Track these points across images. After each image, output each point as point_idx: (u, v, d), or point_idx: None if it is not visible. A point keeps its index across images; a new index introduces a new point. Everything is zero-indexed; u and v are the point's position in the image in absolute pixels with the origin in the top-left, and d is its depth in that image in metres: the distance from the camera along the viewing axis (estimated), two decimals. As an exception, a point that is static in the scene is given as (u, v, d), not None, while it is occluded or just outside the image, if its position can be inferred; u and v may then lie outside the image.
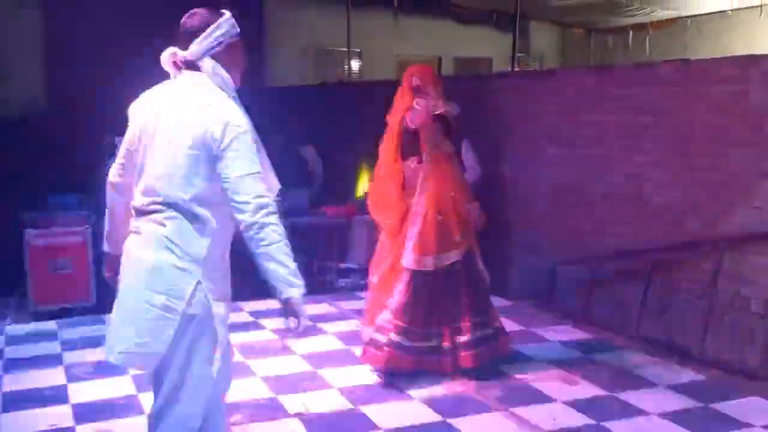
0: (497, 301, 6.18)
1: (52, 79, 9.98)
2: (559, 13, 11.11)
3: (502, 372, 4.60)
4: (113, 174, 2.77)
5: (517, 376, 4.56)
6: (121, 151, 2.74)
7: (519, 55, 10.05)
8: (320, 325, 5.58)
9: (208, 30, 2.57)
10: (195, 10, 2.63)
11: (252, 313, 5.84)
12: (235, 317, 5.82)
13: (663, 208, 5.13)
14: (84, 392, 4.34)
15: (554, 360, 4.85)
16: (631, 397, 4.23)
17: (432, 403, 4.16)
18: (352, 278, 6.90)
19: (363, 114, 7.39)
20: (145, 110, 2.63)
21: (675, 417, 3.97)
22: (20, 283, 6.07)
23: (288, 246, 2.47)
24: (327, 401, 4.19)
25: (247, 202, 2.42)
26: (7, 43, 9.67)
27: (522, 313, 5.93)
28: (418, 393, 4.29)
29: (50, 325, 5.70)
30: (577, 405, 4.13)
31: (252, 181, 2.45)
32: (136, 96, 2.74)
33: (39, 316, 5.88)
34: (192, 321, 2.51)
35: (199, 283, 2.50)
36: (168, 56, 2.62)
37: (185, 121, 2.50)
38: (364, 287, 6.78)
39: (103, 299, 6.13)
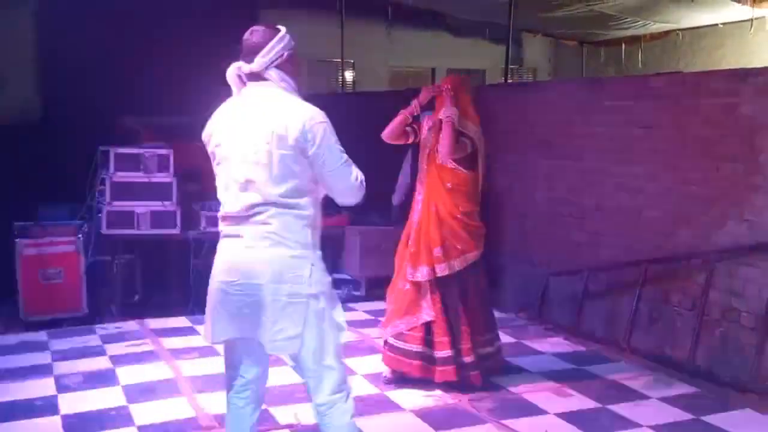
0: (489, 313, 6.20)
1: (43, 89, 9.96)
2: (552, 25, 11.15)
3: (495, 384, 4.59)
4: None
5: (510, 388, 4.55)
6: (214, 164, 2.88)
7: (512, 67, 10.09)
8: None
9: (271, 44, 2.78)
10: (254, 27, 2.85)
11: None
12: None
13: (655, 220, 5.15)
14: (74, 403, 4.31)
15: (546, 372, 4.85)
16: (622, 409, 4.23)
17: (424, 415, 4.15)
18: (345, 289, 6.89)
19: (358, 125, 7.40)
20: (224, 127, 2.81)
21: (666, 429, 3.98)
22: (11, 293, 6.04)
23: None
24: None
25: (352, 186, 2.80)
26: (-2, 55, 9.65)
27: (514, 325, 5.93)
28: (410, 404, 4.29)
29: (41, 335, 5.67)
30: (569, 417, 4.13)
31: (348, 166, 2.79)
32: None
33: (29, 326, 5.85)
34: (317, 299, 2.76)
35: (312, 265, 2.76)
36: (234, 70, 2.81)
37: (270, 125, 2.69)
38: (357, 298, 6.80)
39: (94, 309, 6.13)
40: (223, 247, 2.84)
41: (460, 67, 13.63)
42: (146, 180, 6.29)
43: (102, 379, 4.70)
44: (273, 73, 2.79)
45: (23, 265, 5.91)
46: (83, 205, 6.37)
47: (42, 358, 5.15)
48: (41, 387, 4.57)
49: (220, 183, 2.84)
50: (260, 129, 2.70)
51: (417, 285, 4.49)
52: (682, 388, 4.57)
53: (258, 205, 2.71)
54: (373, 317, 6.00)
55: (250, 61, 2.78)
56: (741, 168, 4.58)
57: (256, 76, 2.79)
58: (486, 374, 4.52)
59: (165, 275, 6.67)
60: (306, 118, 2.70)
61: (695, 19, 9.68)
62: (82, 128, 7.76)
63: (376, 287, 6.14)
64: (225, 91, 2.90)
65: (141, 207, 6.25)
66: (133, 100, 8.57)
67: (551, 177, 6.03)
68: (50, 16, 9.67)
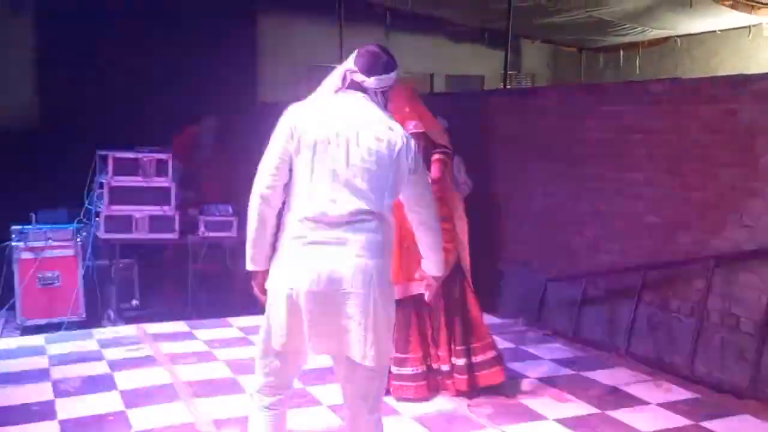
0: (488, 319, 6.20)
1: (42, 93, 9.95)
2: (550, 32, 11.17)
3: (493, 389, 4.58)
4: (266, 186, 2.77)
5: (508, 393, 4.54)
6: (274, 161, 2.77)
7: (511, 72, 10.10)
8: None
9: (391, 74, 2.93)
10: (387, 49, 3.00)
11: (242, 329, 5.82)
12: (225, 333, 5.80)
13: (653, 225, 5.15)
14: (72, 408, 4.29)
15: (545, 378, 4.85)
16: (621, 415, 4.22)
17: (423, 420, 4.14)
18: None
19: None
20: (322, 123, 2.76)
21: (665, 435, 3.97)
22: (8, 297, 6.03)
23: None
24: (316, 419, 4.17)
25: (432, 203, 2.96)
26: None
27: (513, 331, 5.93)
28: (409, 410, 4.28)
29: (38, 339, 5.66)
30: (567, 423, 4.11)
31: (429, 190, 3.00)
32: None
33: (27, 330, 5.84)
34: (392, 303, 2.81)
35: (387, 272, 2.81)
36: (344, 71, 2.90)
37: (374, 138, 2.75)
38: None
39: (92, 314, 6.12)
40: (309, 253, 2.69)
41: (459, 73, 13.66)
42: (145, 184, 6.29)
43: (100, 383, 4.69)
44: (379, 98, 2.90)
45: (21, 268, 5.90)
46: (81, 209, 6.36)
47: (39, 362, 5.13)
48: (39, 392, 4.55)
49: (308, 180, 2.72)
50: (363, 140, 2.73)
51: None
52: (681, 394, 4.57)
53: (365, 213, 2.70)
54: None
55: (367, 76, 2.85)
56: (740, 173, 4.58)
57: (359, 88, 2.87)
58: (475, 384, 4.48)
59: (163, 280, 6.66)
60: (406, 138, 2.82)
61: (693, 26, 9.71)
62: (81, 132, 7.76)
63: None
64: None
65: (139, 211, 6.25)
66: (130, 106, 8.58)
67: (550, 182, 6.03)
68: (49, 20, 9.68)
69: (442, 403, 4.39)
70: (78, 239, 6.14)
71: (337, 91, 2.87)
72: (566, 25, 10.21)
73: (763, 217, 4.45)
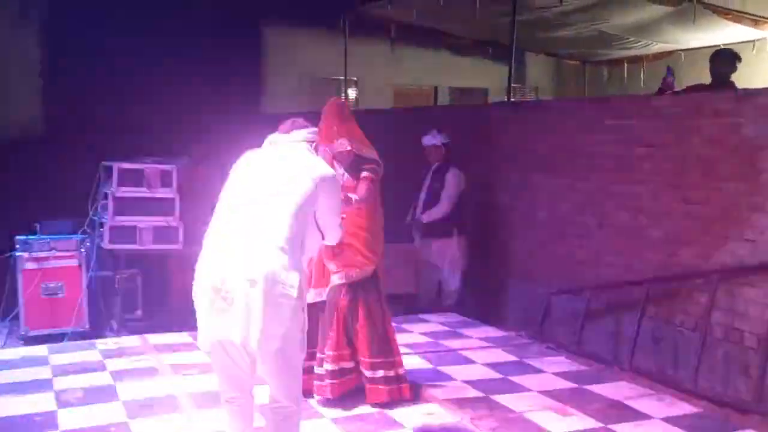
0: (489, 331, 6.19)
1: (47, 105, 10.02)
2: (554, 45, 11.20)
3: (496, 403, 4.57)
4: None
5: (511, 407, 4.53)
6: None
7: (514, 86, 10.12)
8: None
9: (312, 129, 3.60)
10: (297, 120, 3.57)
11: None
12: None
13: (657, 239, 5.15)
14: (74, 419, 4.29)
15: (548, 391, 4.83)
16: (624, 429, 4.20)
17: (425, 433, 4.14)
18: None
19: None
20: (252, 162, 3.34)
21: (669, 450, 3.95)
22: (12, 307, 6.03)
23: None
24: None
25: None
26: (3, 71, 9.71)
27: (516, 343, 5.91)
28: (411, 423, 4.27)
29: (41, 349, 5.66)
30: (570, 437, 4.11)
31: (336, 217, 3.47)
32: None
33: (30, 341, 5.84)
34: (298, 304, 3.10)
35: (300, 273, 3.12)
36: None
37: (295, 174, 3.21)
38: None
39: (95, 324, 6.13)
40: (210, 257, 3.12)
41: (463, 86, 13.71)
42: (149, 195, 6.30)
43: (102, 394, 4.68)
44: (304, 145, 3.46)
45: (25, 279, 5.91)
46: (85, 220, 6.37)
47: (42, 372, 5.12)
48: (41, 402, 4.55)
49: (224, 205, 3.22)
50: (280, 172, 3.21)
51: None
52: (684, 409, 4.54)
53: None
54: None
55: (287, 132, 3.48)
56: (743, 188, 4.58)
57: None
58: (382, 396, 4.48)
59: (167, 291, 6.66)
60: (322, 172, 3.28)
61: (697, 40, 9.73)
62: (85, 143, 7.80)
63: (396, 304, 6.10)
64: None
65: (143, 222, 6.26)
66: (136, 117, 8.61)
67: (553, 195, 6.03)
68: (55, 33, 9.75)
69: (444, 415, 4.38)
70: (82, 249, 6.15)
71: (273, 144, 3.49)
72: (570, 39, 10.24)
73: (766, 231, 4.45)
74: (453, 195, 6.51)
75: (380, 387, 4.45)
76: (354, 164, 4.54)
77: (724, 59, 5.98)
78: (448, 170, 6.58)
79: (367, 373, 4.46)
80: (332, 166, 4.40)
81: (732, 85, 5.87)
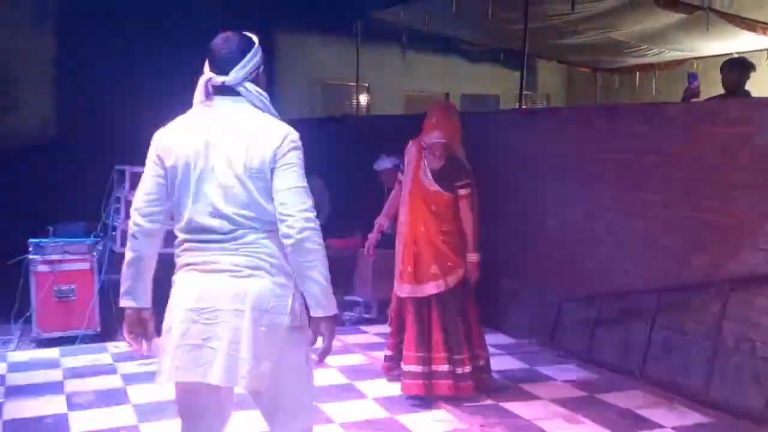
0: (500, 338, 6.19)
1: (61, 108, 10.08)
2: (566, 52, 11.19)
3: (506, 410, 4.57)
4: (144, 219, 2.59)
5: (521, 415, 4.53)
6: (148, 186, 2.60)
7: (526, 93, 10.11)
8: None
9: (249, 55, 2.59)
10: (228, 34, 2.63)
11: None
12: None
13: (668, 248, 5.13)
14: (85, 421, 4.31)
15: (558, 399, 4.82)
16: (635, 438, 4.20)
17: (435, 440, 4.13)
18: (357, 312, 6.89)
19: (371, 147, 7.43)
20: (187, 139, 2.56)
21: (680, 460, 3.94)
22: (24, 310, 6.06)
23: (325, 265, 2.50)
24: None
25: (292, 215, 2.46)
26: (17, 73, 9.78)
27: (526, 351, 5.90)
28: (422, 429, 4.27)
29: (53, 352, 5.69)
30: (580, 445, 4.10)
31: (300, 194, 2.50)
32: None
33: (42, 343, 5.87)
34: (294, 332, 2.55)
35: (293, 295, 2.54)
36: (203, 82, 2.60)
37: (247, 144, 2.49)
38: (368, 320, 6.79)
39: (107, 327, 6.14)
40: (188, 278, 2.55)
41: (475, 93, 13.71)
42: (161, 199, 6.32)
43: (113, 397, 4.71)
44: (250, 88, 2.58)
45: (37, 281, 5.93)
46: (98, 223, 6.40)
47: (54, 375, 5.16)
48: (52, 404, 4.58)
49: (179, 207, 2.55)
50: (241, 150, 2.49)
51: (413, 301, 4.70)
52: (696, 418, 4.53)
53: (235, 231, 2.50)
54: (383, 340, 5.98)
55: (224, 73, 2.56)
56: (756, 196, 4.56)
57: (227, 90, 2.57)
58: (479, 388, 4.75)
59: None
60: (282, 135, 2.52)
61: (710, 48, 9.70)
62: (99, 146, 7.83)
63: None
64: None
65: (155, 226, 6.27)
66: (148, 121, 8.65)
67: (565, 203, 6.02)
68: (69, 36, 9.81)
69: (454, 422, 4.37)
70: (94, 253, 6.18)
71: (204, 103, 2.61)
72: (582, 46, 10.23)
73: (779, 240, 4.43)
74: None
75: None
76: (446, 172, 4.71)
77: (736, 68, 5.96)
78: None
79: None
80: (419, 162, 4.72)
81: (746, 93, 5.85)
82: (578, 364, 5.58)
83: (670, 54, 10.41)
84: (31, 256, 5.96)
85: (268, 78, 2.77)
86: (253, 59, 2.60)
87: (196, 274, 2.53)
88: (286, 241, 2.46)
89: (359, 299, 6.96)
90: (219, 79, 2.56)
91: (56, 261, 6.01)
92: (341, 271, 7.04)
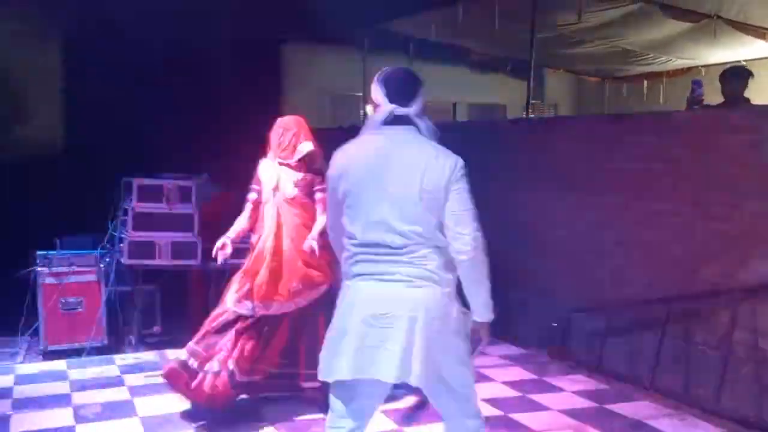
0: (510, 349, 6.16)
1: (68, 120, 10.10)
2: (573, 61, 11.18)
3: (514, 421, 4.53)
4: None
5: (530, 426, 4.49)
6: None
7: (533, 102, 10.10)
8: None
9: (421, 90, 3.01)
10: (404, 69, 3.11)
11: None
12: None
13: (678, 257, 5.09)
14: (92, 434, 4.31)
15: (568, 410, 4.79)
16: (646, 449, 4.16)
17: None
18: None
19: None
20: (364, 162, 2.89)
21: (691, 471, 3.89)
22: (32, 322, 6.07)
23: (489, 277, 2.91)
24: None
25: (468, 234, 2.80)
26: (25, 85, 9.82)
27: (535, 362, 5.87)
28: (428, 441, 4.24)
29: (60, 364, 5.68)
30: (590, 457, 4.06)
31: (472, 215, 2.84)
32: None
33: (49, 355, 5.87)
34: (459, 334, 2.90)
35: (455, 302, 2.90)
36: (387, 111, 2.90)
37: (423, 169, 2.80)
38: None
39: (114, 339, 6.14)
40: (363, 286, 2.87)
41: (482, 102, 13.69)
42: (168, 211, 6.32)
43: (120, 409, 4.70)
44: (424, 121, 2.93)
45: (44, 294, 5.94)
46: (105, 236, 6.41)
47: (61, 387, 5.15)
48: (59, 417, 4.57)
49: (354, 223, 2.88)
50: (411, 172, 2.80)
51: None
52: (706, 429, 4.49)
53: (412, 245, 2.80)
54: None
55: (407, 105, 2.91)
56: (765, 205, 4.53)
57: (401, 119, 2.91)
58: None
59: (185, 306, 6.67)
60: (453, 164, 2.82)
61: (718, 56, 9.67)
62: (106, 159, 7.84)
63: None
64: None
65: (162, 238, 6.28)
66: (155, 133, 8.67)
67: (573, 212, 6.00)
68: (77, 48, 9.84)
69: None
70: (101, 265, 6.18)
71: (374, 131, 2.95)
72: (589, 55, 10.21)
73: (790, 249, 4.39)
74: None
75: None
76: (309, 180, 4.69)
77: (733, 77, 5.91)
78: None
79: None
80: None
81: (746, 101, 5.81)
82: (588, 375, 5.54)
83: (678, 62, 10.39)
84: (38, 269, 5.97)
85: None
86: (423, 94, 3.00)
87: (372, 283, 2.85)
88: (461, 257, 2.81)
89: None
90: (402, 110, 2.90)
91: (63, 273, 6.02)
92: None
